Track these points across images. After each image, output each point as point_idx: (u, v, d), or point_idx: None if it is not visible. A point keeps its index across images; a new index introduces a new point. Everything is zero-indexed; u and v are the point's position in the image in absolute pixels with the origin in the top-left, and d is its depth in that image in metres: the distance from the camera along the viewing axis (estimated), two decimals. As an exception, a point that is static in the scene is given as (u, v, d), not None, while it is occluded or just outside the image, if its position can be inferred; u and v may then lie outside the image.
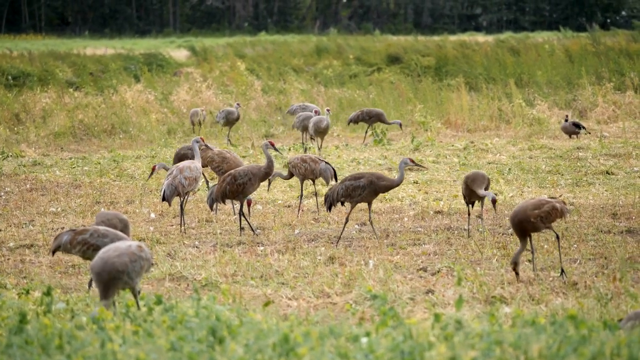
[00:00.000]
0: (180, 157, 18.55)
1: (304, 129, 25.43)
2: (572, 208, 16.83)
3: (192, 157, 17.51)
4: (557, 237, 13.05)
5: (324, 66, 43.59)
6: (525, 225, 12.61)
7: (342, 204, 15.30)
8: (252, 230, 15.74)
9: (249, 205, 16.30)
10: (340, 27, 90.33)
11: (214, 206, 16.84)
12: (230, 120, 27.16)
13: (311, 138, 25.38)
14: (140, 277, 10.29)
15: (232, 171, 15.74)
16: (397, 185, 14.92)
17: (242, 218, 15.89)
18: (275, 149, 15.95)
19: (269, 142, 15.88)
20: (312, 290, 12.15)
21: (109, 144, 27.26)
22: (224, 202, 15.84)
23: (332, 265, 13.47)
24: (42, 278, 13.00)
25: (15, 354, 8.17)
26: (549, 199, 12.81)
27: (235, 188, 15.56)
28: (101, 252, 10.25)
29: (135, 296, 10.35)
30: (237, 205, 17.43)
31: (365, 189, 14.84)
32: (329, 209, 15.32)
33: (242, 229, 15.83)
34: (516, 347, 7.86)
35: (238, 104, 27.56)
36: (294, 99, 34.31)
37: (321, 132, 24.19)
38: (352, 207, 15.26)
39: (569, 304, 11.39)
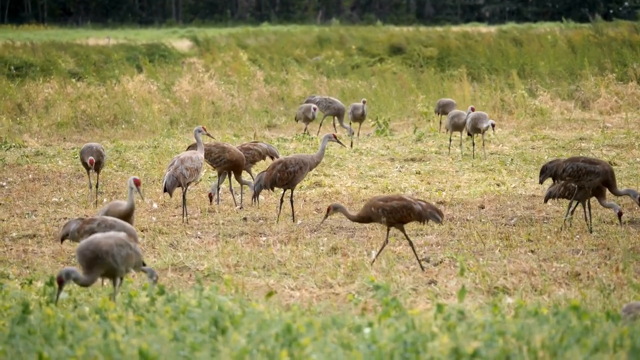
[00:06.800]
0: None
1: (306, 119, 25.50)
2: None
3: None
4: (410, 243, 12.83)
5: (326, 57, 43.54)
6: (367, 210, 12.56)
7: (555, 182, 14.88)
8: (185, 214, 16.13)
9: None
10: (343, 17, 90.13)
11: (232, 197, 17.12)
12: (356, 116, 25.28)
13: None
14: (126, 266, 10.32)
15: (283, 158, 15.74)
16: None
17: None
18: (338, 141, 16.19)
19: (332, 134, 16.02)
20: (314, 280, 12.16)
21: (112, 134, 27.24)
22: (272, 190, 15.85)
23: (334, 255, 13.46)
24: (45, 268, 13.01)
25: (18, 344, 8.18)
26: (410, 200, 12.56)
27: (286, 176, 15.54)
28: (90, 237, 10.44)
29: (114, 284, 10.38)
30: (238, 197, 17.42)
31: (599, 177, 14.45)
32: (542, 181, 15.06)
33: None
34: (519, 338, 7.86)
35: (364, 101, 25.73)
36: (296, 89, 34.27)
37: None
38: (583, 198, 14.79)
39: (572, 294, 11.39)
